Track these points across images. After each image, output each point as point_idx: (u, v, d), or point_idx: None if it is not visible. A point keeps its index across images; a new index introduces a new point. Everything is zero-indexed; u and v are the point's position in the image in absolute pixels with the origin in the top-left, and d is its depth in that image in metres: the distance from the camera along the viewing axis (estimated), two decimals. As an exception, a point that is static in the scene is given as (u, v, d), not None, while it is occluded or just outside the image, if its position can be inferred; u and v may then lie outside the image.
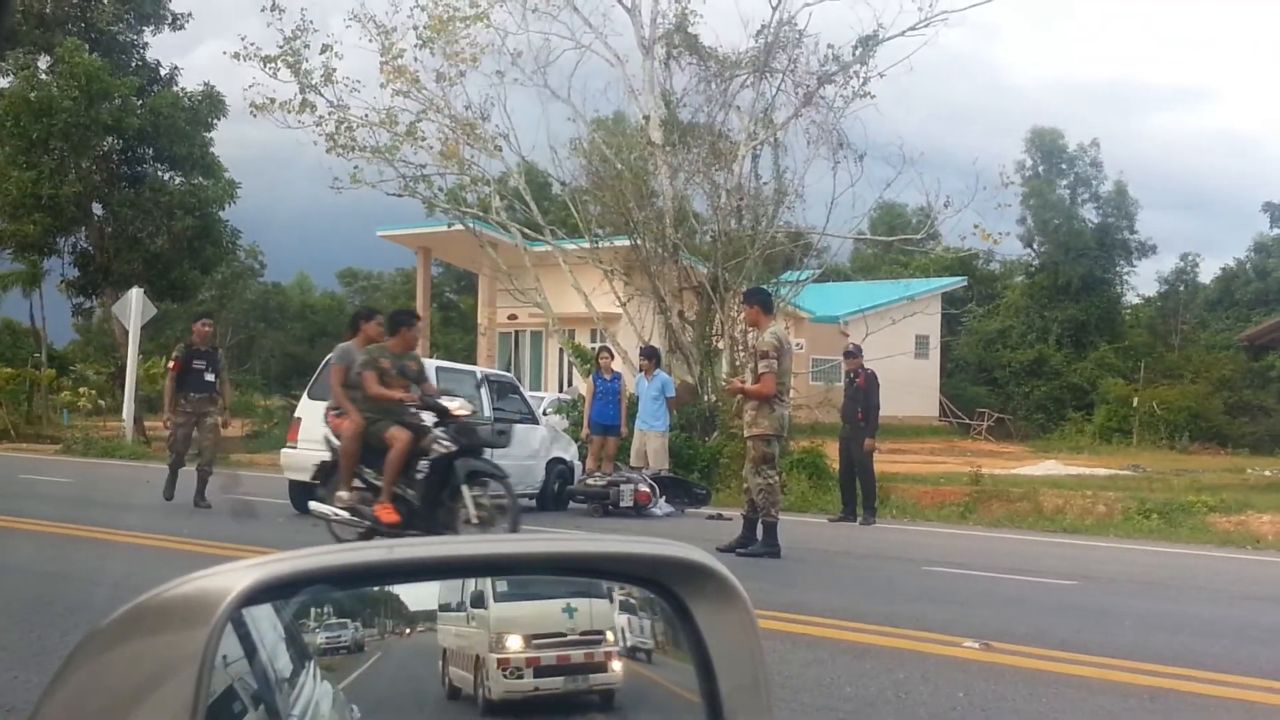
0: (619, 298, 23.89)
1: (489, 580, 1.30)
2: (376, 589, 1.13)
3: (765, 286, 17.24)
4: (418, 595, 1.16)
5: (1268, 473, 28.47)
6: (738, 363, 22.02)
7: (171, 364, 15.76)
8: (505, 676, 1.34)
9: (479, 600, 1.32)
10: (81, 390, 34.74)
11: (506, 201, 24.67)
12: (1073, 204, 55.78)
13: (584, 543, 1.28)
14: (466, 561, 1.19)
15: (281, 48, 24.19)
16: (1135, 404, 44.37)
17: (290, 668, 1.09)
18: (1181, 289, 57.34)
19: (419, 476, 10.47)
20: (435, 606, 1.19)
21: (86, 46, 34.24)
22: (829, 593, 9.99)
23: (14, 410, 35.37)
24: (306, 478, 15.06)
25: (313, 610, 1.09)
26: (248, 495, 16.29)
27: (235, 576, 0.88)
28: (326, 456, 15.22)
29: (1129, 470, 29.18)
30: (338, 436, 11.12)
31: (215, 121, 35.94)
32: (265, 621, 1.03)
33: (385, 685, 1.17)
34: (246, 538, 11.68)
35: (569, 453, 18.10)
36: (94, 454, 27.21)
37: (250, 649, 1.00)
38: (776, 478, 12.43)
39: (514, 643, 1.36)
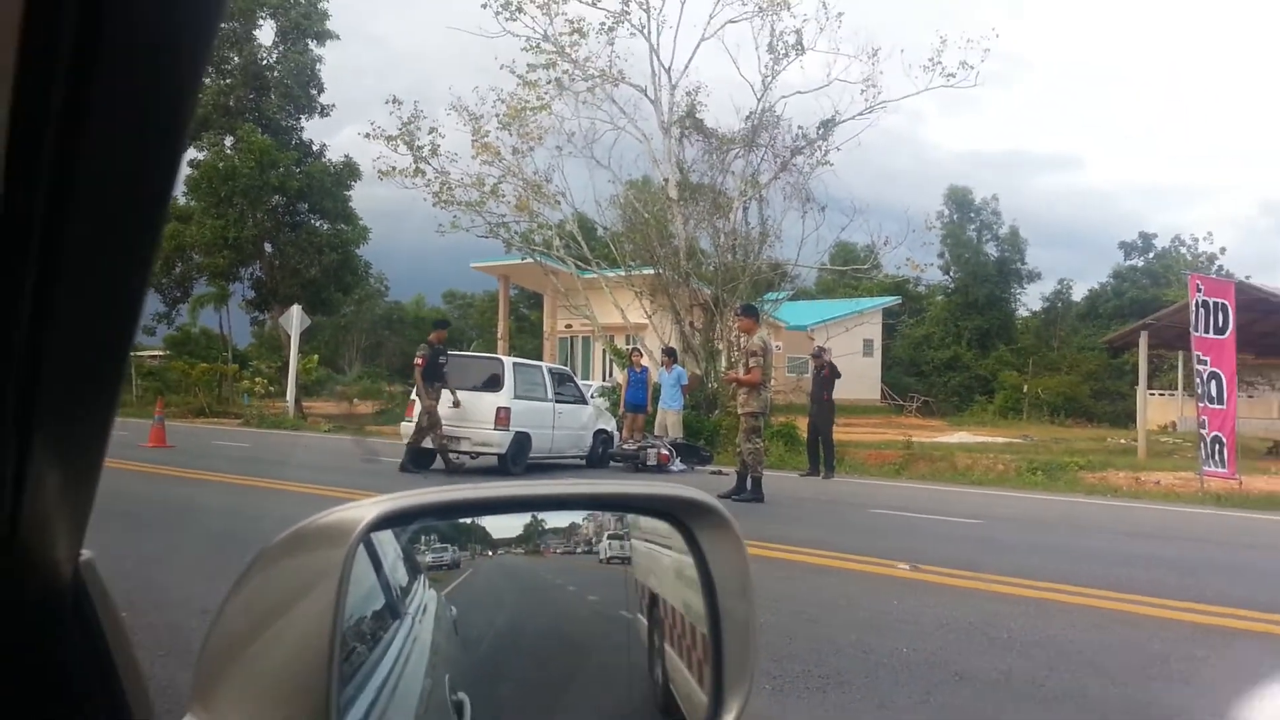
0: (646, 312, 23.90)
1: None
2: (469, 521, 1.14)
3: (754, 303, 17.19)
4: (497, 527, 1.17)
5: (1122, 441, 28.27)
6: (732, 360, 21.99)
7: (419, 360, 14.68)
8: None
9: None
10: (256, 379, 34.88)
11: (564, 241, 24.71)
12: (979, 243, 55.44)
13: (621, 486, 1.28)
14: (533, 499, 1.19)
15: (400, 130, 24.29)
16: (1025, 390, 44.14)
17: (406, 579, 1.09)
18: (1059, 305, 56.93)
19: None
20: (513, 535, 1.19)
21: (259, 129, 34.50)
22: (799, 528, 9.98)
23: (208, 394, 35.61)
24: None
25: (423, 536, 1.09)
26: (378, 455, 16.40)
27: (365, 510, 0.89)
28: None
29: (1021, 439, 29.01)
30: None
31: (352, 183, 36.15)
32: (388, 544, 1.04)
33: (476, 591, 1.17)
34: (373, 485, 11.73)
35: (610, 425, 18.12)
36: (265, 426, 27.40)
37: (377, 564, 1.01)
38: (762, 444, 12.41)
39: None
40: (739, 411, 12.40)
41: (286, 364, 31.02)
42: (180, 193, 35.17)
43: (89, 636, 0.76)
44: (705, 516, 1.17)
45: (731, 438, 18.69)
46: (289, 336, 29.88)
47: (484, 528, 1.16)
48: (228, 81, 35.66)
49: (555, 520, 1.23)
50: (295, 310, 28.99)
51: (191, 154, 35.18)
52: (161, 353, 45.12)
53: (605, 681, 1.27)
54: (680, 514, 1.19)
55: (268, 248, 35.85)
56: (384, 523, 0.93)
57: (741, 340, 13.79)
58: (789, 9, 23.33)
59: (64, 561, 0.71)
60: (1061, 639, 5.57)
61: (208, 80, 34.97)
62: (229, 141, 35.03)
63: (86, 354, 0.62)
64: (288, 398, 30.59)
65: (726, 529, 1.17)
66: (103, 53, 0.53)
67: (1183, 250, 55.95)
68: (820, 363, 17.72)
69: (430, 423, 14.39)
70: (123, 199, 0.59)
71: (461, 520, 1.13)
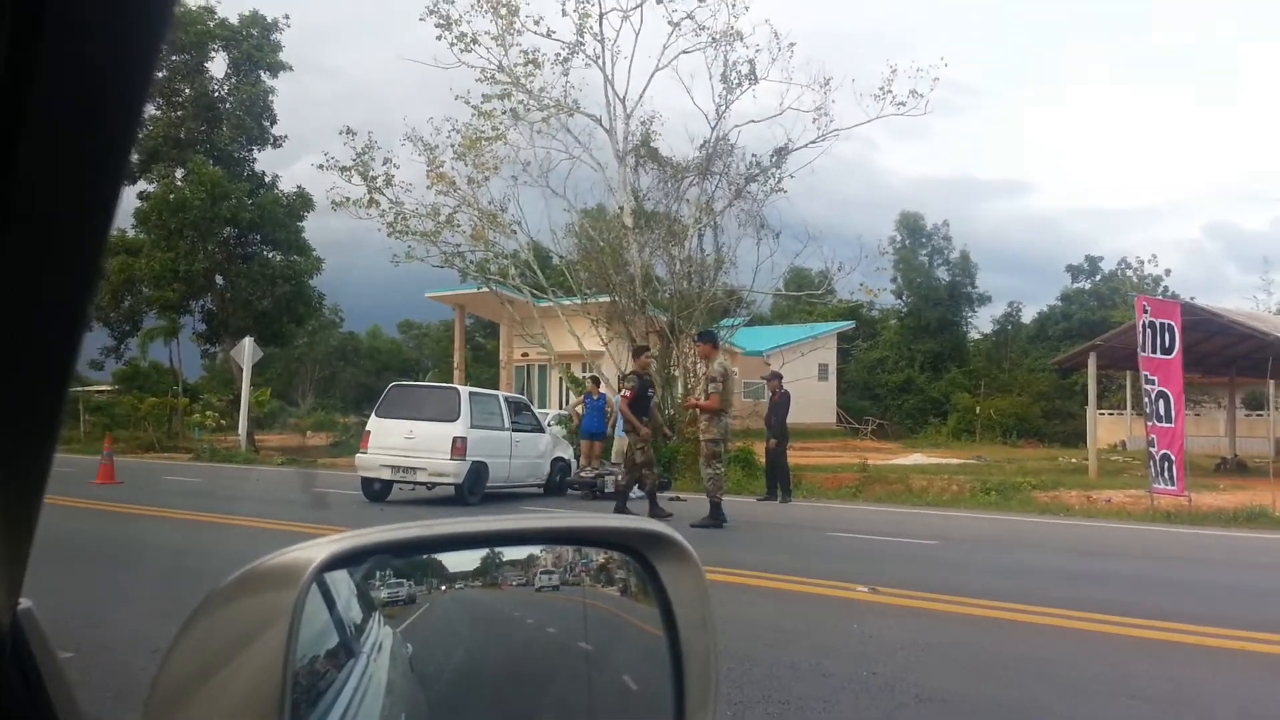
0: (602, 339, 23.91)
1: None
2: (423, 557, 1.12)
3: (712, 329, 17.23)
4: (454, 560, 1.15)
5: (1073, 460, 28.64)
6: (689, 386, 22.07)
7: (628, 392, 13.29)
8: None
9: None
10: (208, 413, 34.36)
11: (519, 270, 24.68)
12: (930, 267, 56.13)
13: (578, 520, 1.27)
14: (488, 535, 1.17)
15: (354, 161, 24.19)
16: (978, 411, 44.59)
17: (361, 616, 1.08)
18: (1009, 328, 57.66)
19: None
20: (470, 569, 1.17)
21: (210, 161, 34.19)
22: (759, 553, 9.98)
23: (158, 428, 35.03)
24: (373, 475, 14.99)
25: (377, 572, 1.07)
26: (323, 490, 16.18)
27: (317, 550, 0.87)
28: (393, 460, 14.86)
29: (974, 460, 29.29)
30: None
31: (305, 214, 35.89)
32: (341, 582, 1.02)
33: (432, 627, 1.15)
34: (328, 520, 11.59)
35: (567, 453, 18.05)
36: (217, 460, 26.98)
37: (330, 603, 0.99)
38: (722, 469, 12.36)
39: None
40: (700, 437, 12.32)
41: (238, 397, 30.60)
42: (130, 225, 34.77)
43: (29, 687, 0.74)
44: (663, 547, 1.17)
45: (689, 464, 18.69)
46: (241, 369, 29.51)
47: (440, 562, 1.14)
48: (179, 113, 35.35)
49: (512, 553, 1.22)
50: (247, 342, 28.66)
51: (141, 186, 34.77)
52: (110, 387, 44.37)
53: (565, 715, 1.26)
54: (639, 546, 1.18)
55: (219, 280, 35.46)
56: (336, 563, 0.91)
57: (699, 367, 13.77)
58: (741, 39, 23.60)
59: (1, 611, 0.69)
60: (1020, 658, 5.61)
61: (158, 112, 34.67)
62: (180, 173, 34.67)
63: (23, 395, 0.60)
64: (240, 431, 30.16)
65: (685, 559, 1.16)
66: (39, 73, 0.52)
67: (1129, 273, 56.99)
68: (774, 386, 17.79)
69: (646, 466, 13.04)
70: (62, 227, 0.58)
71: (415, 557, 1.11)
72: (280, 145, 37.19)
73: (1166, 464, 16.23)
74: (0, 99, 0.51)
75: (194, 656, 0.81)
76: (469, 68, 23.59)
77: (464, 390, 16.04)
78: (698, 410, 12.43)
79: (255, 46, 35.65)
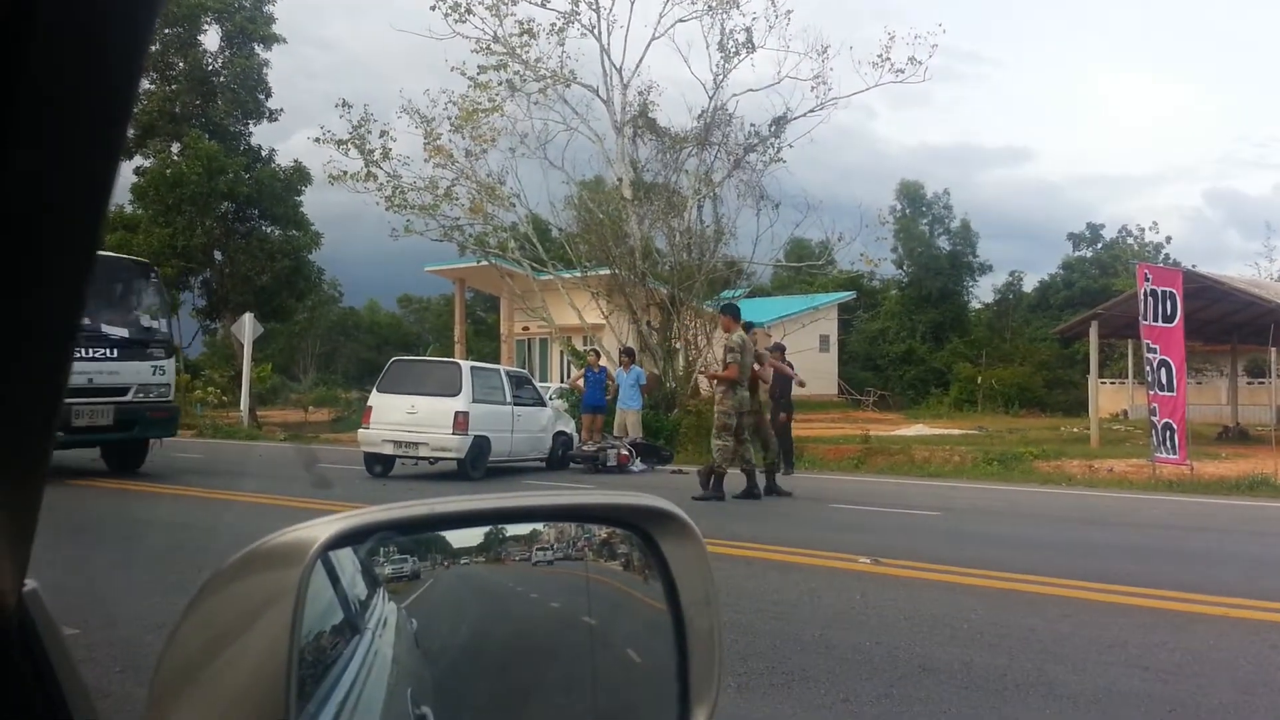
0: (603, 312, 23.90)
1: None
2: (428, 534, 1.13)
3: (724, 301, 17.15)
4: (457, 536, 1.16)
5: (1075, 430, 28.68)
6: (691, 359, 22.10)
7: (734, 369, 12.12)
8: None
9: None
10: (209, 389, 34.28)
11: (519, 243, 24.63)
12: (931, 236, 55.95)
13: (580, 496, 1.27)
14: (490, 513, 1.17)
15: (350, 134, 24.09)
16: (979, 381, 44.60)
17: (365, 593, 1.08)
18: (1011, 297, 57.53)
19: None
20: (474, 544, 1.18)
21: (207, 135, 34.02)
22: (761, 525, 10.00)
23: (159, 404, 34.97)
24: (375, 450, 15.02)
25: (381, 549, 1.08)
26: (325, 465, 16.20)
27: (322, 528, 0.87)
28: (396, 435, 14.87)
29: (976, 430, 29.32)
30: None
31: (303, 189, 35.67)
32: (346, 560, 1.03)
33: (436, 602, 1.16)
34: (331, 495, 11.61)
35: (569, 427, 18.06)
36: (219, 436, 26.99)
37: (335, 580, 0.99)
38: (733, 442, 12.23)
39: None
40: (715, 409, 12.34)
41: (239, 373, 30.58)
42: (127, 201, 34.65)
43: (36, 669, 0.74)
44: (665, 523, 1.17)
45: (692, 437, 18.72)
46: (241, 345, 29.47)
47: (444, 537, 1.15)
48: (173, 87, 35.12)
49: (516, 528, 1.22)
50: (247, 318, 28.60)
51: (138, 161, 34.60)
52: (111, 364, 44.30)
53: (569, 689, 1.27)
54: (642, 523, 1.19)
55: (218, 255, 35.36)
56: (340, 542, 0.92)
57: (717, 338, 13.71)
58: (738, 7, 23.48)
59: (7, 593, 0.69)
60: (1022, 628, 5.64)
61: (152, 86, 34.45)
62: (175, 148, 34.49)
63: (23, 375, 0.60)
64: (242, 407, 30.16)
65: (687, 534, 1.16)
66: (31, 48, 0.51)
67: (1130, 240, 56.82)
68: (777, 358, 17.79)
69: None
70: (59, 203, 0.57)
71: (419, 534, 1.12)
72: (276, 119, 36.96)
73: (1168, 433, 16.25)
74: None
75: (200, 634, 0.82)
76: (464, 38, 23.49)
77: (465, 365, 16.03)
78: (714, 380, 12.38)
79: (248, 19, 35.36)
